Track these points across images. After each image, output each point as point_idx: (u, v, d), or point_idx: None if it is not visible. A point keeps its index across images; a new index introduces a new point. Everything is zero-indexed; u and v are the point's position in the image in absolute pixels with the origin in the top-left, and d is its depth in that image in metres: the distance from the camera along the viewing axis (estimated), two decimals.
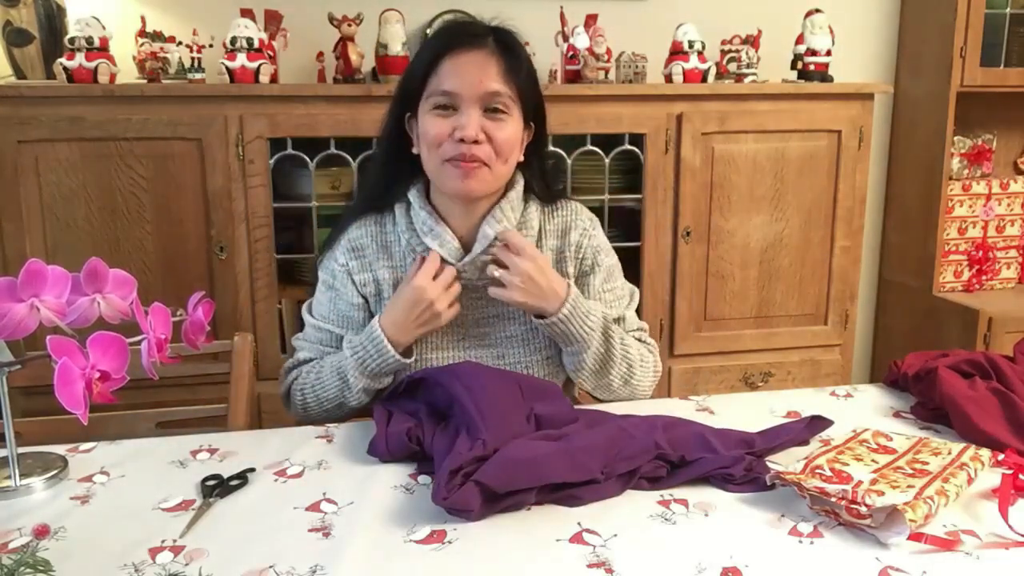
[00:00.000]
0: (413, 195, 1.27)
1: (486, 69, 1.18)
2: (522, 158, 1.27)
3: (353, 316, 1.29)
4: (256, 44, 2.03)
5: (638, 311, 1.43)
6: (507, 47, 1.21)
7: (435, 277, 1.22)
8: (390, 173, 1.30)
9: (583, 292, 1.33)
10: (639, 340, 1.37)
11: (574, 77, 2.24)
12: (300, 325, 1.38)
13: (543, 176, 1.33)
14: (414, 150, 1.25)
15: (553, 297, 1.23)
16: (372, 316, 1.29)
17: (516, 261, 1.21)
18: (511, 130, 1.20)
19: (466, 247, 1.26)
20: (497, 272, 1.22)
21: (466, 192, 1.21)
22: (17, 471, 0.99)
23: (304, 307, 1.37)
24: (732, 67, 2.41)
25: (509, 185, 1.28)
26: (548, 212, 1.33)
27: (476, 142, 1.17)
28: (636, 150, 2.23)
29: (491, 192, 1.25)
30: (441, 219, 1.26)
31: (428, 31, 2.40)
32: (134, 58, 2.16)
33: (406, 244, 1.28)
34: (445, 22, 1.33)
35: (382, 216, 1.31)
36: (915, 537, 0.84)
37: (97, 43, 1.98)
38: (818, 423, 1.11)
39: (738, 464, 0.98)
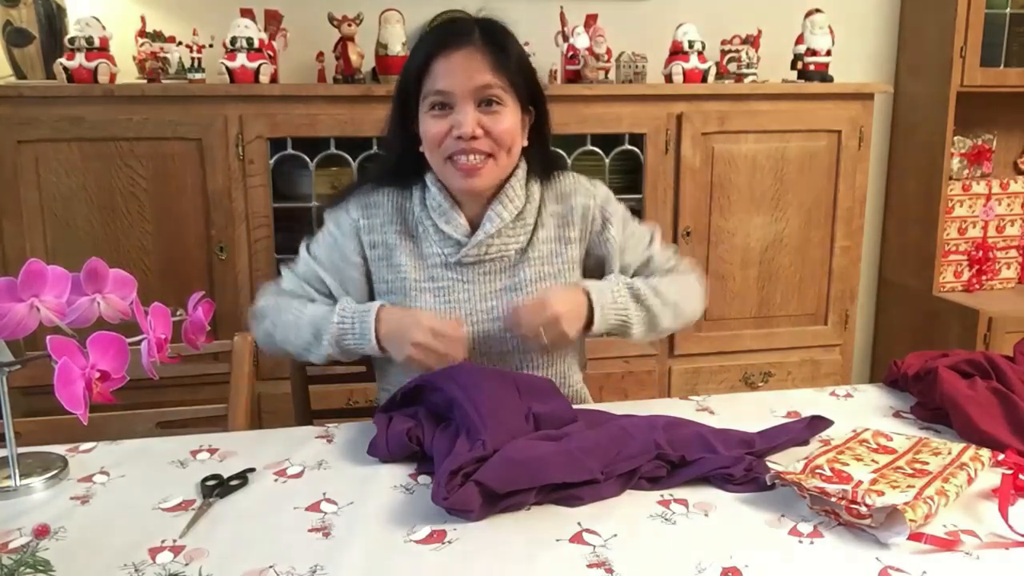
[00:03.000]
0: (430, 179, 1.30)
1: (475, 64, 1.21)
2: (526, 142, 1.30)
3: (345, 271, 1.32)
4: (256, 44, 2.03)
5: None
6: (493, 40, 1.23)
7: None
8: (399, 172, 1.33)
9: (605, 249, 1.35)
10: (671, 271, 1.40)
11: (574, 77, 2.24)
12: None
13: (545, 157, 1.36)
14: (421, 149, 1.28)
15: (580, 301, 1.25)
16: (368, 278, 1.32)
17: (531, 306, 1.23)
18: (508, 121, 1.23)
19: (473, 223, 1.30)
20: (546, 340, 1.22)
21: (470, 189, 1.25)
22: (17, 471, 0.99)
23: (304, 242, 1.38)
24: (732, 67, 2.41)
25: (515, 166, 1.32)
26: (546, 183, 1.36)
27: (474, 137, 1.20)
28: (636, 150, 2.23)
29: (496, 182, 1.28)
30: (452, 198, 1.29)
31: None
32: (134, 58, 2.16)
33: (417, 217, 1.31)
34: (432, 24, 1.37)
35: (401, 189, 1.34)
36: (915, 537, 0.84)
37: (97, 43, 1.98)
38: (818, 423, 1.11)
39: (738, 464, 0.98)
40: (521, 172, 1.31)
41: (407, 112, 1.28)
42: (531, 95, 1.29)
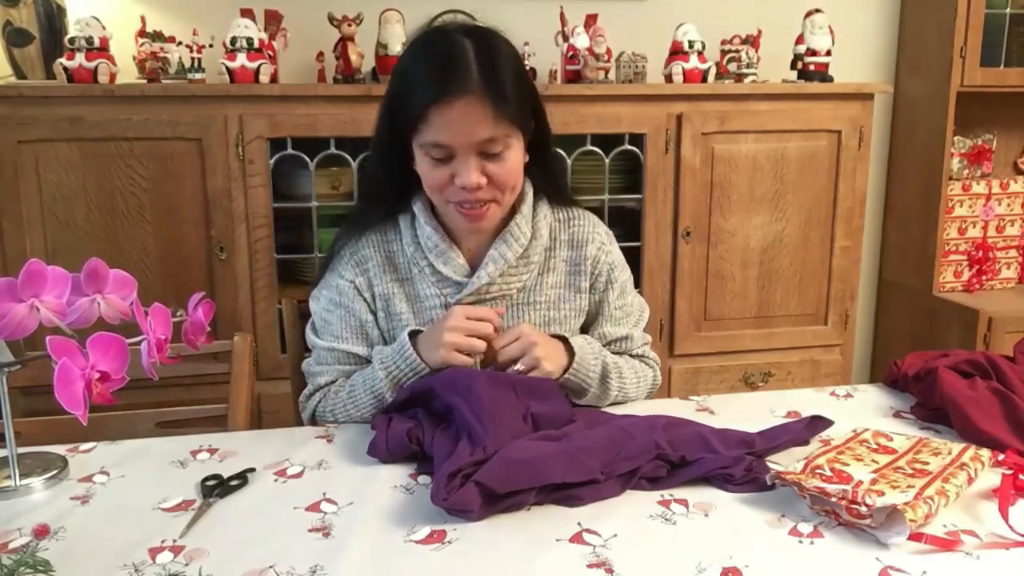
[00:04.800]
0: (418, 209, 1.23)
1: (476, 115, 1.11)
2: (526, 157, 1.22)
3: (368, 332, 1.26)
4: (256, 44, 2.03)
5: None
6: (494, 89, 1.11)
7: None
8: (391, 188, 1.25)
9: (599, 309, 1.31)
10: (640, 356, 1.34)
11: (574, 77, 2.24)
12: (304, 347, 1.35)
13: (551, 175, 1.30)
14: (415, 166, 1.19)
15: (560, 353, 1.21)
16: (382, 332, 1.26)
17: (523, 339, 1.17)
18: (511, 162, 1.16)
19: (473, 263, 1.24)
20: (521, 366, 1.16)
21: (476, 231, 1.21)
22: (17, 471, 0.99)
23: (308, 329, 1.31)
24: (732, 67, 2.41)
25: (520, 198, 1.25)
26: (562, 222, 1.30)
27: (478, 187, 1.14)
28: (636, 150, 2.23)
29: (501, 219, 1.23)
30: (448, 235, 1.23)
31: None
32: (134, 58, 2.16)
33: (410, 257, 1.24)
34: (419, 49, 1.19)
35: (385, 226, 1.27)
36: (915, 537, 0.84)
37: (97, 43, 1.98)
38: (818, 423, 1.11)
39: (738, 464, 0.98)
40: (526, 208, 1.25)
41: (396, 133, 1.18)
42: (533, 113, 1.20)
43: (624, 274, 1.34)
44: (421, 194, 1.24)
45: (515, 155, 1.17)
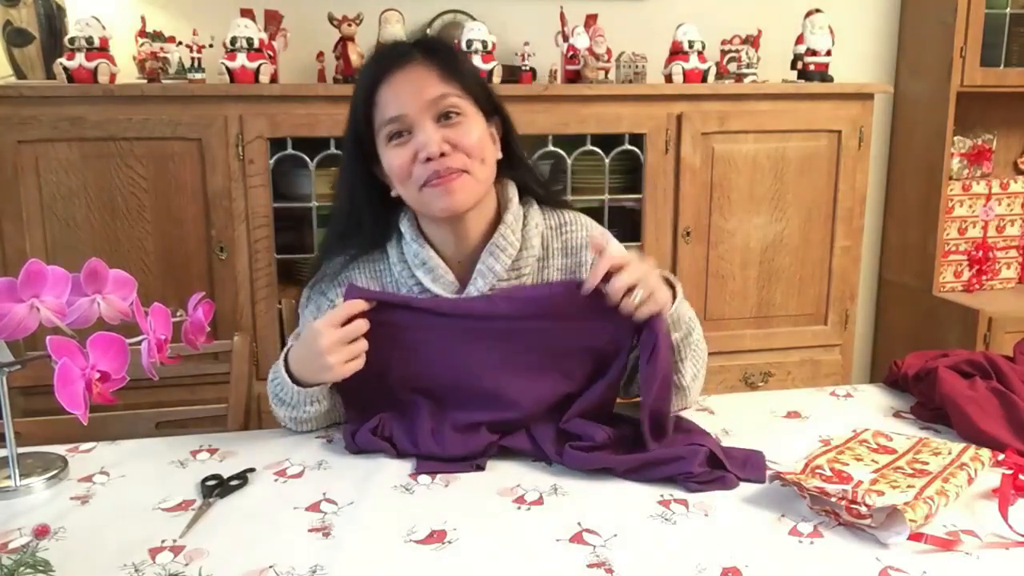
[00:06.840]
0: (404, 226, 1.19)
1: (423, 78, 1.11)
2: (500, 154, 1.19)
3: None
4: (256, 44, 2.03)
5: None
6: (435, 52, 1.14)
7: (349, 322, 1.08)
8: (373, 220, 1.21)
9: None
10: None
11: (574, 77, 2.24)
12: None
13: (531, 172, 1.25)
14: (392, 194, 1.18)
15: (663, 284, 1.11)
16: None
17: (635, 270, 1.06)
18: (474, 130, 1.13)
19: (462, 278, 1.18)
20: (636, 298, 1.04)
21: (455, 207, 1.12)
22: (17, 471, 0.99)
23: (292, 337, 1.22)
24: (732, 67, 2.41)
25: (504, 204, 1.20)
26: (554, 229, 1.24)
27: (443, 155, 1.10)
28: (636, 150, 2.23)
29: (480, 198, 1.15)
30: (435, 251, 1.18)
31: (428, 31, 2.40)
32: (134, 58, 2.16)
33: (398, 276, 1.20)
34: (367, 56, 1.22)
35: (371, 254, 1.23)
36: (915, 537, 0.84)
37: (97, 43, 1.97)
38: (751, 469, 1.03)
39: (694, 457, 0.99)
40: (510, 217, 1.18)
41: (366, 158, 1.17)
42: (491, 104, 1.18)
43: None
44: (405, 215, 1.20)
45: (475, 125, 1.14)
